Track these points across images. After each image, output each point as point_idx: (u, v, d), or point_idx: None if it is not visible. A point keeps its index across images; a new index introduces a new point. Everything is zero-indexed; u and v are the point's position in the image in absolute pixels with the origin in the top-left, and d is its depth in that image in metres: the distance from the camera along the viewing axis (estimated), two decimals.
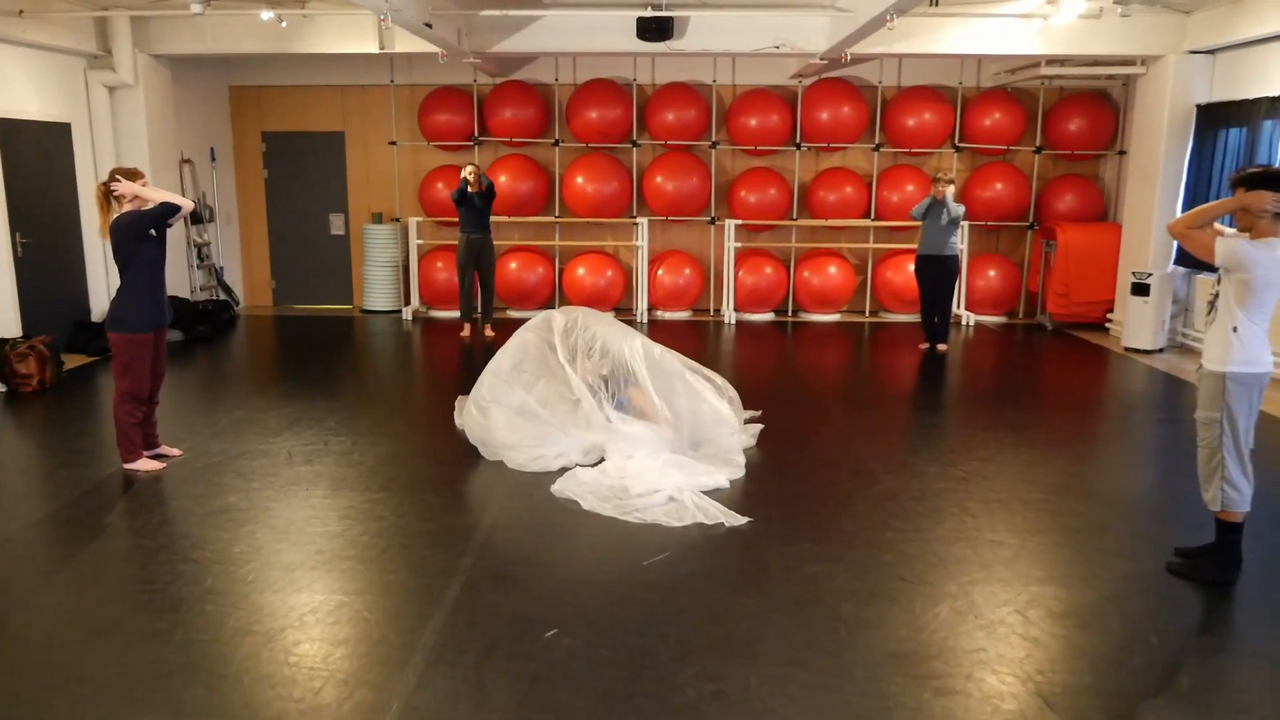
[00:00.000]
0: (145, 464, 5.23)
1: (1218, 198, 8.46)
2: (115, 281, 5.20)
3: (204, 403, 6.88)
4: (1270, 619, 3.66)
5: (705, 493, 4.81)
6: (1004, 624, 3.57)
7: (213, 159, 10.71)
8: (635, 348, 5.62)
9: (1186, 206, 8.90)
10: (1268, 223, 3.72)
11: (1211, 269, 3.96)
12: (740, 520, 4.54)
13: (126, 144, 9.25)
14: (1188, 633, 3.59)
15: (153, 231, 5.06)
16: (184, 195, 9.99)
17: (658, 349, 5.80)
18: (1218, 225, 4.03)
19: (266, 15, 8.16)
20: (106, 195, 5.03)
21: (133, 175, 5.07)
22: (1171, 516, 4.73)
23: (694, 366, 6.12)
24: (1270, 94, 7.86)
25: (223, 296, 10.67)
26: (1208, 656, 3.40)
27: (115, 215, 5.01)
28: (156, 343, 5.21)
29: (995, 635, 3.48)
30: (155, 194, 5.08)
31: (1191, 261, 8.88)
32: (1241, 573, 3.95)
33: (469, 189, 9.01)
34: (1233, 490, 3.83)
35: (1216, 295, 3.91)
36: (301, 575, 3.93)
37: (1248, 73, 8.27)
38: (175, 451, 5.51)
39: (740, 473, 5.21)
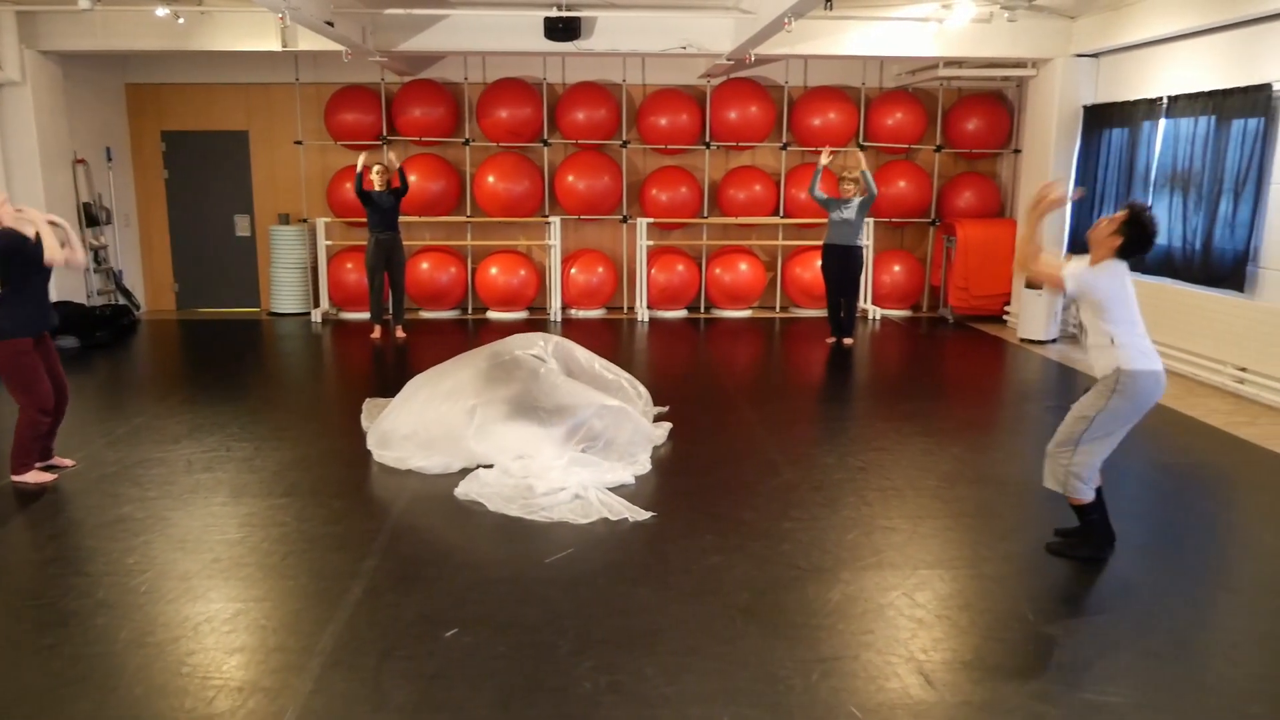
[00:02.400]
0: (34, 476, 5.07)
1: (1102, 194, 8.89)
2: None
3: (100, 411, 6.68)
4: (1139, 593, 3.88)
5: (612, 489, 4.88)
6: (893, 607, 3.72)
7: (109, 159, 10.36)
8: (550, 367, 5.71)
9: (1076, 202, 9.32)
10: (1107, 250, 3.94)
11: None
12: (644, 515, 4.62)
13: (15, 144, 8.91)
14: (1062, 608, 3.79)
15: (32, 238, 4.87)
16: (78, 196, 9.67)
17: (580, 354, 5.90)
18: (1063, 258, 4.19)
19: (162, 11, 7.95)
20: None
21: None
22: (1054, 499, 4.92)
23: (607, 365, 6.20)
24: (1149, 96, 8.28)
25: (122, 301, 10.35)
26: (1080, 630, 3.59)
27: None
28: (43, 349, 5.04)
29: (883, 618, 3.63)
30: (46, 233, 4.86)
31: (1080, 253, 9.28)
32: (1114, 550, 4.19)
33: (364, 186, 8.90)
34: (1079, 481, 4.04)
35: (1080, 325, 4.12)
36: (198, 584, 3.87)
37: (1129, 76, 8.70)
38: (67, 462, 5.34)
39: (646, 469, 5.29)
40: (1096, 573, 4.06)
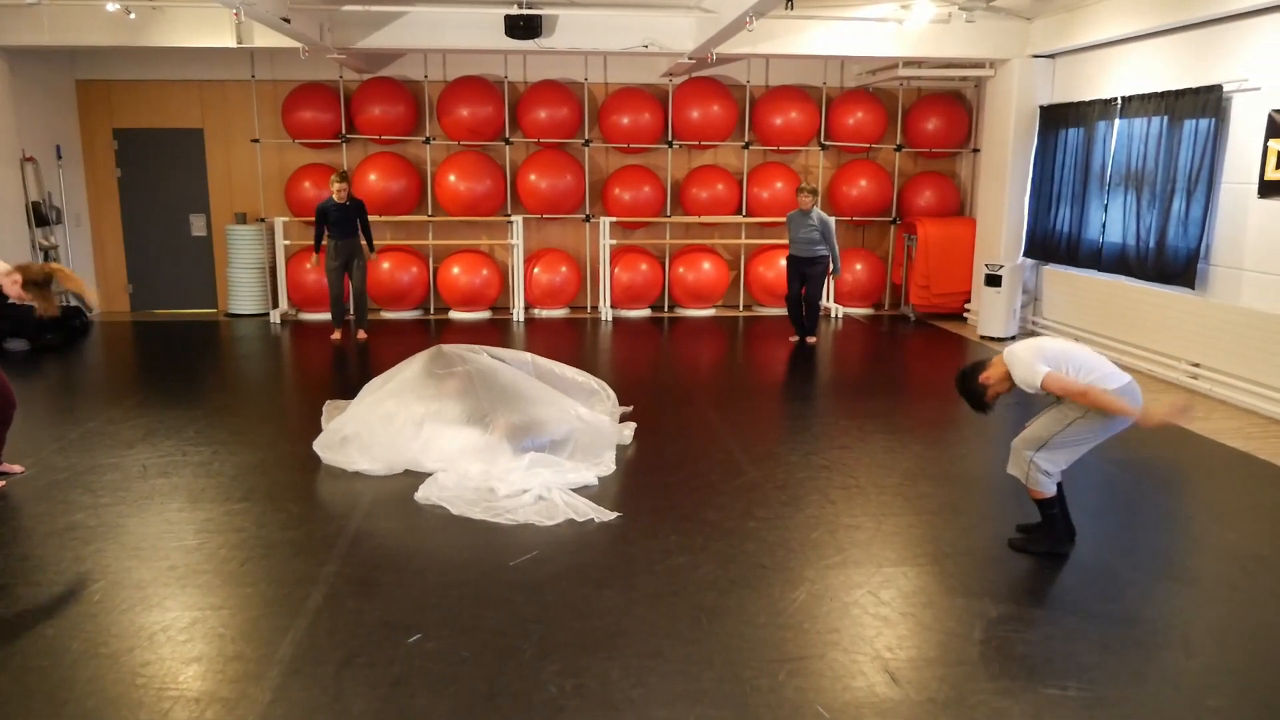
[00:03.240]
0: None
1: (1058, 193, 9.01)
2: None
3: (51, 416, 6.51)
4: (1097, 586, 3.93)
5: (575, 490, 4.85)
6: (857, 605, 3.73)
7: (59, 157, 10.12)
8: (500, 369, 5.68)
9: (1033, 201, 9.45)
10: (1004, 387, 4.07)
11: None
12: (610, 515, 4.60)
13: None
14: (1024, 603, 3.82)
15: None
16: (27, 195, 9.45)
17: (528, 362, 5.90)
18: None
19: (112, 6, 7.77)
20: None
21: None
22: (1015, 495, 4.99)
23: (566, 370, 6.16)
24: (1104, 96, 8.41)
25: (73, 303, 10.11)
26: (1041, 624, 3.63)
27: None
28: None
29: (848, 616, 3.64)
30: None
31: (1039, 253, 9.43)
32: (1075, 544, 4.25)
33: (334, 200, 8.83)
34: (1042, 475, 4.09)
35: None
36: (153, 593, 3.79)
37: (1084, 76, 8.83)
38: (16, 468, 5.20)
39: (610, 469, 5.27)
40: (1056, 568, 4.11)
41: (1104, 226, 8.45)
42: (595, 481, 5.06)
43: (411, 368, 5.70)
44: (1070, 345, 4.13)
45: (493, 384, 5.54)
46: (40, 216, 9.71)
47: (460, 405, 5.45)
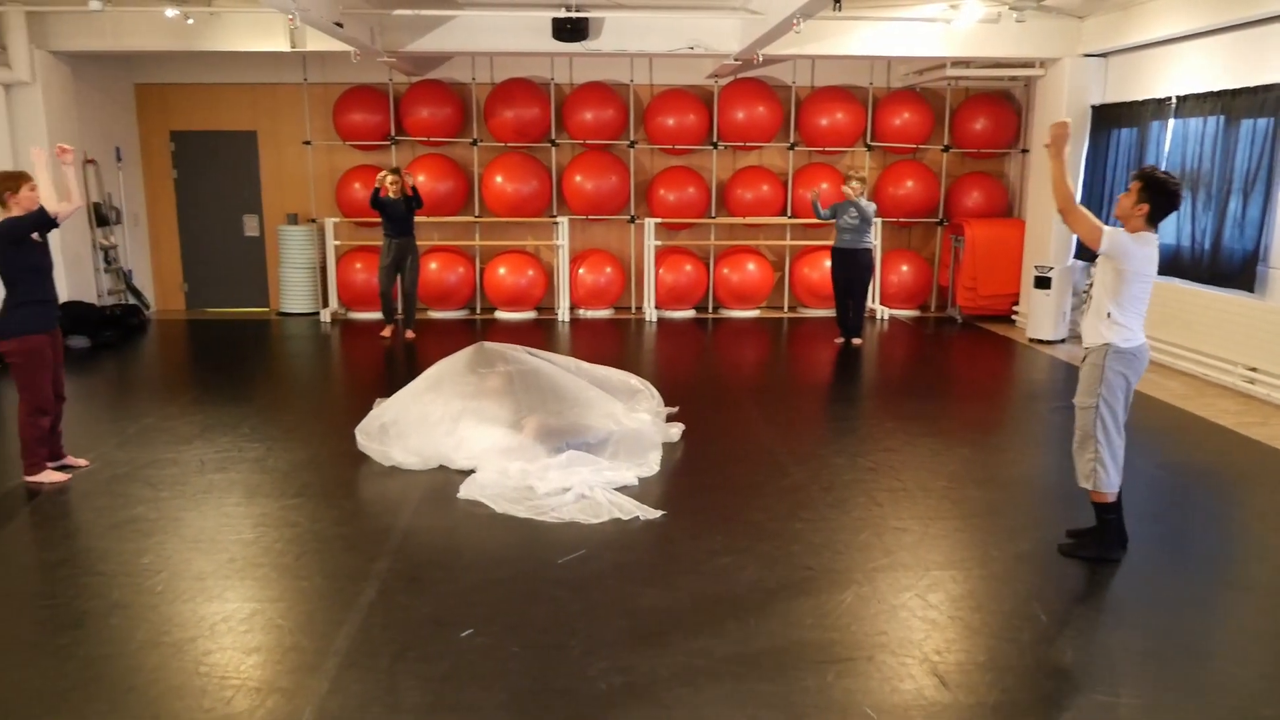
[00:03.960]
0: (49, 476, 5.10)
1: (1112, 195, 8.88)
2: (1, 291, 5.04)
3: (111, 411, 6.71)
4: (1149, 593, 3.89)
5: (618, 489, 4.89)
6: (905, 608, 3.72)
7: (119, 159, 10.40)
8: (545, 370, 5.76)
9: (1084, 202, 9.29)
10: (1139, 220, 3.98)
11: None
12: (656, 514, 4.63)
13: (25, 143, 8.91)
14: (1074, 609, 3.79)
15: (35, 236, 4.91)
16: (88, 196, 9.71)
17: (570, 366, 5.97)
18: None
19: (171, 12, 7.97)
20: None
21: (13, 181, 4.87)
22: (1064, 499, 4.95)
23: (612, 375, 6.20)
24: (1157, 95, 8.27)
25: (132, 300, 10.39)
26: (1091, 631, 3.60)
27: None
28: (53, 347, 5.08)
29: (896, 619, 3.63)
30: (45, 188, 4.96)
31: (1089, 255, 9.28)
32: (1126, 552, 4.20)
33: (380, 195, 8.94)
34: (1104, 471, 4.05)
35: (1090, 286, 4.17)
36: (213, 584, 3.89)
37: (1137, 75, 8.68)
38: (81, 462, 5.37)
39: (654, 470, 5.30)
40: (1108, 574, 4.06)
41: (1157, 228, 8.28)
42: (635, 481, 5.09)
43: (454, 363, 5.79)
44: (1147, 271, 4.04)
45: (533, 385, 5.61)
46: (101, 217, 9.99)
47: (499, 404, 5.54)
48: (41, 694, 3.08)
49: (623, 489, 4.93)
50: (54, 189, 5.13)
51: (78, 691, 3.09)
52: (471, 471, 5.11)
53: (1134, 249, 3.98)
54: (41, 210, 4.88)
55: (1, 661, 3.29)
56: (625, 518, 4.59)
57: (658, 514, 4.64)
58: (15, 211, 4.84)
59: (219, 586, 3.87)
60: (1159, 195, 3.96)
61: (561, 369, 5.92)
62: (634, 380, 6.26)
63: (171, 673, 3.21)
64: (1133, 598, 3.88)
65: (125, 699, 3.05)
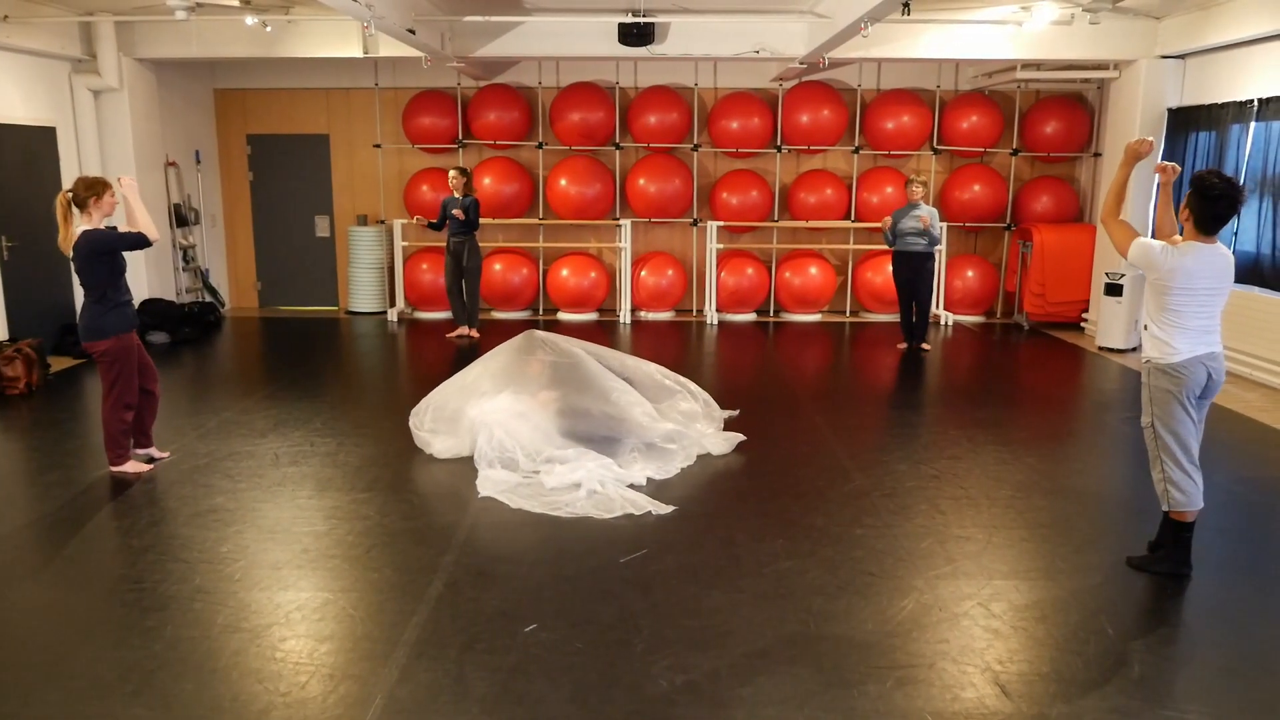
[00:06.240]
0: (133, 466, 5.33)
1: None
2: None
3: (190, 405, 6.96)
4: (1222, 610, 3.81)
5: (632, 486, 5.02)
6: (967, 616, 3.71)
7: (198, 162, 10.77)
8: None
9: (1156, 209, 9.08)
10: (1189, 228, 3.89)
11: None
12: (667, 509, 4.73)
13: (111, 147, 9.32)
14: (1142, 623, 3.73)
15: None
16: (169, 198, 10.09)
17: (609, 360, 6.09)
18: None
19: (250, 20, 8.23)
20: (69, 206, 5.01)
21: (98, 187, 5.07)
22: (1134, 512, 4.87)
23: (667, 380, 6.25)
24: (1238, 99, 8.05)
25: (208, 299, 10.75)
26: (1160, 646, 3.54)
27: (81, 229, 5.00)
28: (135, 343, 5.30)
29: (958, 627, 3.62)
30: (139, 209, 5.17)
31: None
32: (1192, 567, 4.11)
33: (453, 196, 9.15)
34: (1177, 492, 3.96)
35: None
36: (288, 573, 4.04)
37: (1216, 77, 8.46)
38: (162, 454, 5.59)
39: (668, 474, 5.30)
40: (1179, 589, 3.99)
41: (1235, 234, 8.08)
42: (644, 481, 5.13)
43: (505, 346, 6.02)
44: (1194, 284, 3.86)
45: (568, 374, 5.73)
46: (180, 217, 10.36)
47: (535, 384, 5.70)
48: (132, 672, 3.24)
49: (662, 489, 5.02)
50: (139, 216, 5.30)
51: (165, 671, 3.24)
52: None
53: (1162, 260, 3.84)
54: (142, 236, 5.11)
55: (96, 641, 3.46)
56: (638, 513, 4.69)
57: (669, 509, 4.73)
58: (95, 216, 5.05)
59: (293, 576, 4.02)
60: (1198, 200, 3.81)
61: (600, 361, 5.99)
62: (670, 381, 6.24)
63: (250, 657, 3.35)
64: (1205, 614, 3.80)
65: (209, 680, 3.19)
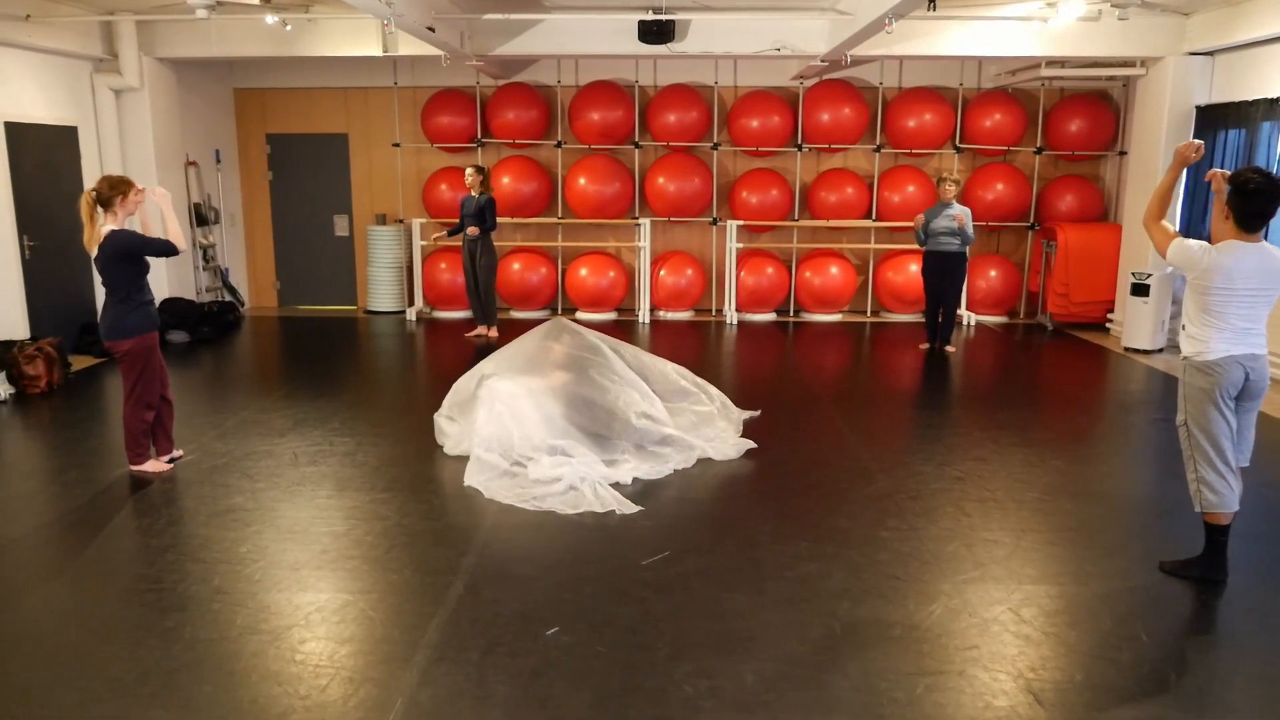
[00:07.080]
0: (153, 465, 5.32)
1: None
2: None
3: (209, 404, 6.96)
4: (1259, 617, 3.71)
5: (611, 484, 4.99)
6: (997, 621, 3.63)
7: (218, 161, 10.80)
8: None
9: (1186, 207, 8.96)
10: (1229, 228, 3.82)
11: None
12: (633, 509, 4.69)
13: (132, 147, 9.34)
14: (1177, 630, 3.65)
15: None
16: (189, 197, 10.12)
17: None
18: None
19: (271, 19, 8.23)
20: (94, 205, 4.99)
21: (124, 186, 5.06)
22: (1164, 515, 4.78)
23: (685, 381, 6.21)
24: (1269, 96, 7.91)
25: (228, 298, 10.77)
26: (1196, 654, 3.46)
27: (108, 229, 4.98)
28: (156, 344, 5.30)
29: (988, 633, 3.54)
30: (172, 220, 5.14)
31: None
32: (1229, 571, 4.02)
33: (471, 195, 9.14)
34: (1210, 493, 3.86)
35: None
36: (307, 575, 4.01)
37: (1246, 74, 8.32)
38: (180, 453, 5.58)
39: (660, 474, 5.25)
40: (1214, 595, 3.90)
41: (1265, 235, 7.91)
42: (629, 481, 5.09)
43: (534, 333, 6.04)
44: (1234, 284, 3.79)
45: (585, 365, 5.71)
46: (200, 216, 10.38)
47: (551, 369, 5.68)
48: (151, 674, 3.21)
49: (618, 486, 5.01)
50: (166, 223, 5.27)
51: (185, 672, 3.21)
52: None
53: (1200, 259, 3.79)
54: (171, 245, 5.10)
55: (115, 641, 3.43)
56: (601, 510, 4.66)
57: (634, 509, 4.69)
58: (120, 215, 5.03)
59: (312, 577, 3.98)
60: (1236, 197, 3.77)
61: (620, 356, 5.97)
62: (686, 381, 6.21)
63: (269, 659, 3.31)
64: (1241, 620, 3.71)
65: (228, 682, 3.16)
